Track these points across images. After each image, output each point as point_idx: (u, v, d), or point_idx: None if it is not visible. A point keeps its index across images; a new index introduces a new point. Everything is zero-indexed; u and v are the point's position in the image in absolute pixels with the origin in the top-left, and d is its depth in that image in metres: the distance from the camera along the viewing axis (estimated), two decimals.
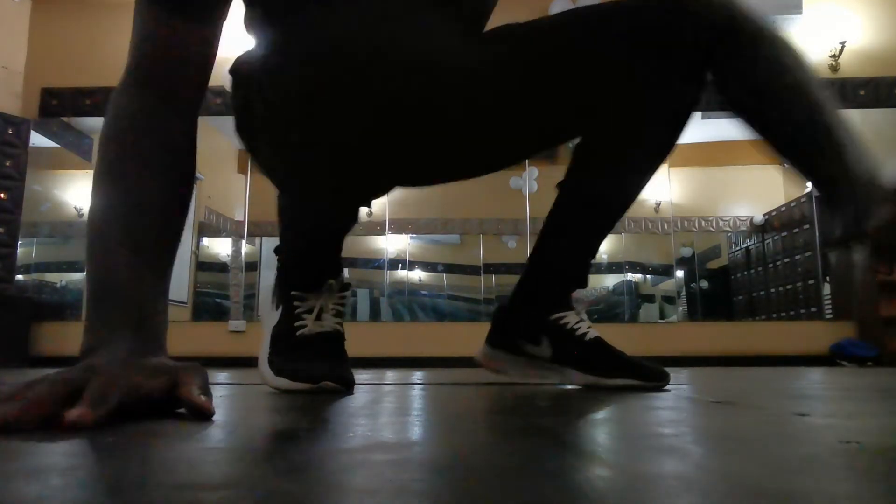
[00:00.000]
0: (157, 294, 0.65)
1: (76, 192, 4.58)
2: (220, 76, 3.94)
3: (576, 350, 1.11)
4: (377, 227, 4.57)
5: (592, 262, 1.15)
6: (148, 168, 0.71)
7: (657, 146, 1.06)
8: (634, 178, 1.08)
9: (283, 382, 0.99)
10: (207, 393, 0.57)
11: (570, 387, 1.25)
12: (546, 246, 1.14)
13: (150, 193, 0.69)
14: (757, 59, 0.92)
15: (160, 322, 0.64)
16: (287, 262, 1.08)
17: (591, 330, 1.12)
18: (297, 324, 1.04)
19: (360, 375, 1.89)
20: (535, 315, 1.14)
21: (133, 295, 0.62)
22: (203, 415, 0.54)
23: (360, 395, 0.96)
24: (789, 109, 0.90)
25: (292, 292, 1.06)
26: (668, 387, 1.14)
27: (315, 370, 0.98)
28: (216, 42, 0.79)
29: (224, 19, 0.78)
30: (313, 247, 1.06)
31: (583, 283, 1.14)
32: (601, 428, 0.58)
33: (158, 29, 0.74)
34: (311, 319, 1.04)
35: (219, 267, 4.72)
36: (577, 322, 1.12)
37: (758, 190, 4.76)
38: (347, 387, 1.00)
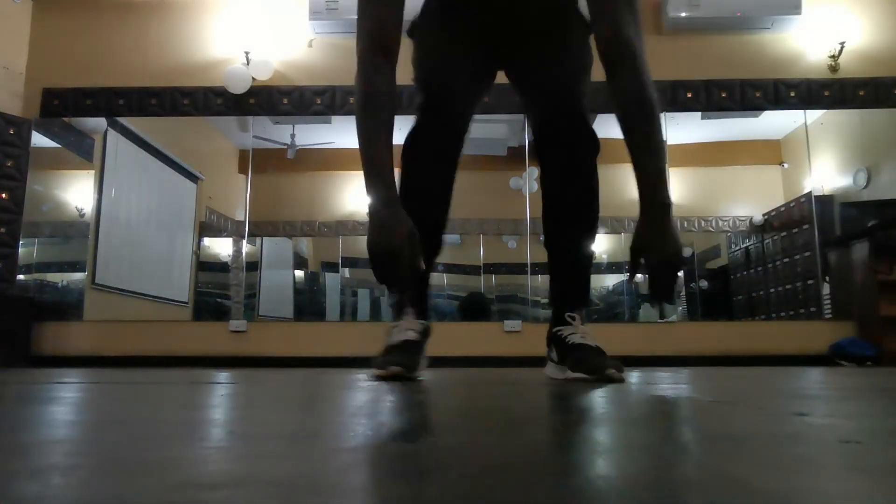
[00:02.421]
0: (392, 180, 1.32)
1: (77, 192, 4.58)
2: (221, 76, 3.97)
3: (563, 352, 1.46)
4: None
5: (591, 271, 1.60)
6: (387, 127, 1.34)
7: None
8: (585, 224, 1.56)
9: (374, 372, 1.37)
10: None
11: (571, 385, 1.25)
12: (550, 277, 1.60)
13: (387, 140, 1.34)
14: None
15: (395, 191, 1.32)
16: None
17: (574, 336, 1.45)
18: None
19: (361, 375, 1.89)
20: (549, 331, 1.54)
21: (388, 179, 1.30)
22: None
23: (361, 395, 0.96)
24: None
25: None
26: (668, 387, 1.14)
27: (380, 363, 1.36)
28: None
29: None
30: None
31: (579, 306, 1.52)
32: (602, 428, 0.58)
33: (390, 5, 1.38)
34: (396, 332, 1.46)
35: (220, 267, 4.72)
36: (570, 334, 1.46)
37: (758, 190, 4.76)
38: (406, 368, 1.35)
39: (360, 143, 1.31)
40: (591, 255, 1.56)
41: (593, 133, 1.47)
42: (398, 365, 1.32)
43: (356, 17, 1.44)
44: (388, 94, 1.34)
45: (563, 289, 1.54)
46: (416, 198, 1.41)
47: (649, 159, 1.31)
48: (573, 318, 1.48)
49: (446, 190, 1.51)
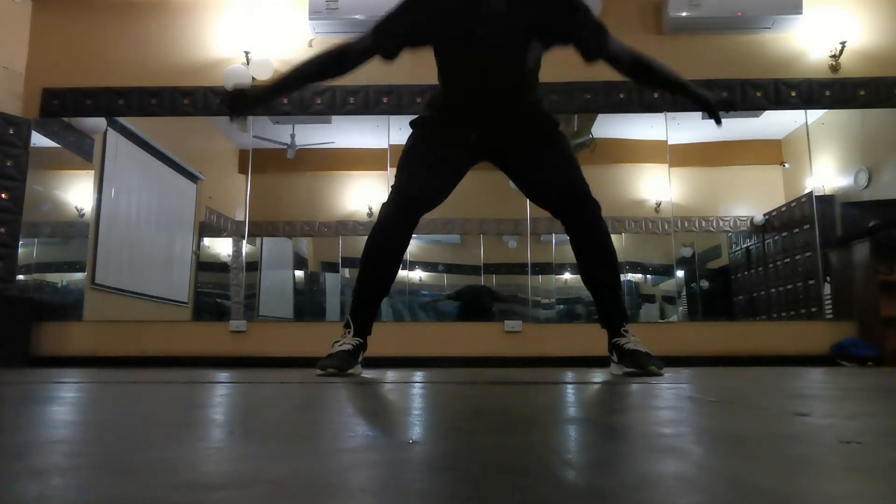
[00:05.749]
0: (277, 87, 1.99)
1: (77, 192, 4.57)
2: (221, 76, 3.99)
3: (621, 355, 1.89)
4: None
5: (622, 295, 2.01)
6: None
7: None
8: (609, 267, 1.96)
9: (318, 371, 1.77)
10: None
11: (571, 383, 1.25)
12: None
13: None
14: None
15: None
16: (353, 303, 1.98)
17: (629, 343, 1.88)
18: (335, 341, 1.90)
19: (361, 375, 1.89)
20: (608, 341, 1.97)
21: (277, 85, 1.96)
22: None
23: (361, 395, 0.96)
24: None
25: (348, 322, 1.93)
26: (668, 387, 1.14)
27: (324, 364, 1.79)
28: None
29: None
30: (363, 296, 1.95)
31: (625, 319, 1.97)
32: (602, 428, 0.58)
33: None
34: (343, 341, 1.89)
35: (219, 267, 4.72)
36: (625, 342, 1.89)
37: (758, 190, 4.76)
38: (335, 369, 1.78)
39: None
40: (620, 283, 1.98)
41: (596, 201, 1.90)
42: (332, 367, 1.75)
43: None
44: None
45: (611, 312, 1.97)
46: (373, 282, 1.89)
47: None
48: (626, 331, 1.92)
49: (397, 265, 1.92)
